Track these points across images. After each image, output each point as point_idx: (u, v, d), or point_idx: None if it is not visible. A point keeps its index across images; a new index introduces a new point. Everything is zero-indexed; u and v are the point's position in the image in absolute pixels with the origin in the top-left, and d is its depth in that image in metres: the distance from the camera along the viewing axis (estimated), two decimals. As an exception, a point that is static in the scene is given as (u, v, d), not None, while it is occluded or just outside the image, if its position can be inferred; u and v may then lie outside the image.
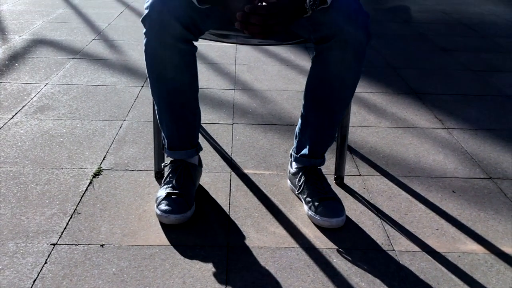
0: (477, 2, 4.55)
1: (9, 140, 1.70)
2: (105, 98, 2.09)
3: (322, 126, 1.34)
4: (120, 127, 1.84)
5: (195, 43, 1.26)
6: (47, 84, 2.21)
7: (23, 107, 1.96)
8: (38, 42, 2.78)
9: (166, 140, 1.38)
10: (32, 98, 2.05)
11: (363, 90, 2.31)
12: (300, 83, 2.37)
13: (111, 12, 3.56)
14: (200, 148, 1.43)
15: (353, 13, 1.17)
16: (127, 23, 3.30)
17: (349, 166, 1.64)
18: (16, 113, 1.91)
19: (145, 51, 1.24)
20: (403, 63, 2.74)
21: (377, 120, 2.02)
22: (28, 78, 2.26)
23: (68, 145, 1.68)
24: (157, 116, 1.35)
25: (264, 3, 1.07)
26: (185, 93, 1.29)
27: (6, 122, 1.83)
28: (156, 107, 1.34)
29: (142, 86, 2.24)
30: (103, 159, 1.61)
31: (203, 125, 1.90)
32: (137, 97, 2.13)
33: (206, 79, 2.37)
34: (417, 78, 2.52)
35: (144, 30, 1.21)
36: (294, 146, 1.44)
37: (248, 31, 1.08)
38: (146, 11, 1.20)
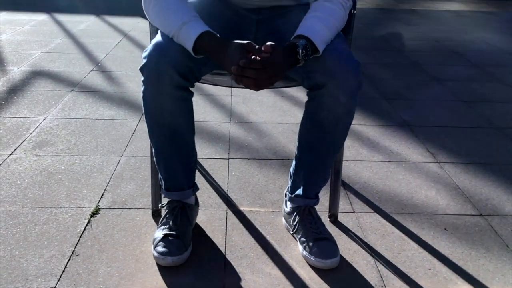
0: (468, 30, 4.64)
1: (8, 178, 1.72)
2: (103, 132, 2.12)
3: (315, 168, 1.37)
4: (118, 163, 1.87)
5: (191, 88, 1.30)
6: (45, 118, 2.24)
7: (22, 142, 1.99)
8: (36, 74, 2.82)
9: (163, 181, 1.40)
10: (31, 133, 2.08)
11: (357, 123, 2.36)
12: (295, 115, 2.41)
13: (109, 41, 3.62)
14: (197, 188, 1.46)
15: (344, 61, 1.22)
16: (125, 53, 3.35)
17: (343, 203, 1.66)
18: (15, 149, 1.93)
19: (143, 98, 1.27)
20: (397, 93, 2.79)
21: (370, 153, 2.05)
22: (27, 112, 2.30)
23: (66, 183, 1.71)
24: (154, 158, 1.38)
25: (258, 57, 1.12)
26: (182, 137, 1.33)
27: (5, 159, 1.85)
28: (153, 149, 1.37)
29: (140, 120, 2.27)
30: (101, 197, 1.63)
31: (200, 160, 1.94)
32: (135, 131, 2.16)
33: (203, 111, 2.41)
34: (410, 109, 2.56)
35: (142, 78, 1.25)
36: (289, 186, 1.47)
37: (242, 83, 1.12)
38: (144, 61, 1.24)
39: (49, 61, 3.06)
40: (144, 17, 4.52)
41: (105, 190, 1.68)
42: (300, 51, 1.17)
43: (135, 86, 2.72)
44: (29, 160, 1.85)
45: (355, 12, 1.47)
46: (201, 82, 1.43)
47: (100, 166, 1.84)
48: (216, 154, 1.99)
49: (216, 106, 2.50)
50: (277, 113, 2.43)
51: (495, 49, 3.91)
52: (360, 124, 2.35)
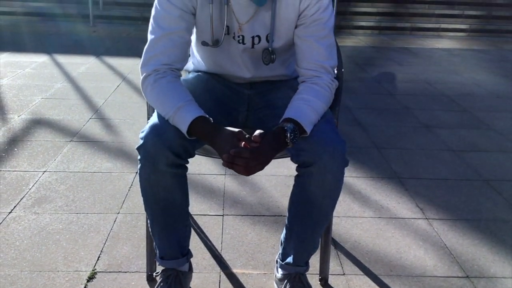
0: (459, 70, 4.75)
1: (7, 238, 1.77)
2: (100, 187, 2.18)
3: (305, 238, 1.43)
4: (114, 221, 1.92)
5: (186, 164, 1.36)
6: (45, 171, 2.29)
7: (22, 199, 2.04)
8: (37, 123, 2.88)
9: (158, 250, 1.45)
10: (30, 189, 2.13)
11: (348, 175, 2.42)
12: (288, 167, 2.47)
13: (108, 86, 3.70)
14: (191, 255, 1.51)
15: (330, 142, 1.28)
16: (123, 98, 3.43)
17: (334, 264, 1.71)
18: (15, 206, 1.98)
19: (139, 175, 1.33)
20: (387, 142, 2.86)
21: (361, 209, 2.11)
22: (26, 165, 2.35)
23: (64, 244, 1.75)
24: (150, 228, 1.43)
25: (248, 146, 1.18)
26: (177, 210, 1.38)
27: (5, 218, 1.90)
28: (148, 220, 1.42)
29: (136, 173, 2.33)
30: (98, 259, 1.68)
31: (195, 216, 1.99)
32: (131, 185, 2.21)
33: (198, 163, 2.47)
34: (400, 159, 2.63)
35: (139, 157, 1.31)
36: (280, 252, 1.52)
37: (233, 170, 1.18)
38: (141, 141, 1.30)
39: (49, 108, 3.14)
40: (142, 58, 4.63)
41: (101, 251, 1.72)
42: (288, 134, 1.24)
43: (132, 135, 2.79)
44: (28, 219, 1.90)
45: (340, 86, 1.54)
46: (196, 153, 1.49)
47: (97, 225, 1.89)
48: (211, 210, 2.05)
49: (211, 158, 2.55)
50: (271, 165, 2.48)
51: (485, 93, 4.00)
52: (351, 176, 2.41)
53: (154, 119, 1.33)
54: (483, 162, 2.64)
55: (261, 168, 1.20)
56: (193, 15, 1.38)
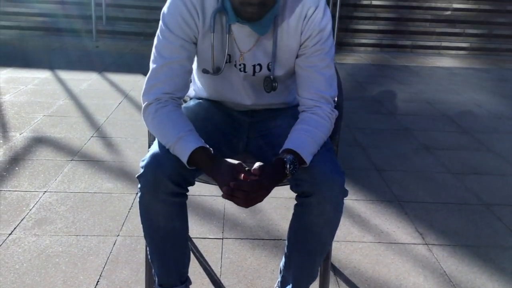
0: (459, 90, 4.77)
1: (7, 261, 1.77)
2: (101, 209, 2.18)
3: (304, 267, 1.43)
4: (114, 243, 1.92)
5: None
6: (45, 192, 2.30)
7: (22, 220, 2.05)
8: (38, 141, 2.90)
9: (156, 277, 1.46)
10: (30, 210, 2.14)
11: (348, 197, 2.42)
12: (287, 189, 2.47)
13: (109, 103, 3.72)
14: (190, 282, 1.51)
15: (330, 173, 1.29)
16: (125, 116, 3.45)
17: (333, 291, 1.71)
18: (15, 228, 1.99)
19: (139, 203, 1.34)
20: (387, 164, 2.87)
21: (361, 233, 2.11)
22: (27, 185, 2.36)
23: (63, 267, 1.75)
24: (149, 255, 1.44)
25: (247, 178, 1.19)
26: (176, 238, 1.39)
27: (5, 239, 1.91)
28: (147, 247, 1.43)
29: (136, 194, 2.34)
30: (97, 283, 1.68)
31: (194, 239, 1.99)
32: (131, 206, 2.22)
33: (198, 185, 2.47)
34: (400, 182, 2.64)
35: (139, 185, 1.32)
36: (279, 280, 1.52)
37: (233, 202, 1.19)
38: (141, 170, 1.31)
39: (51, 126, 3.15)
40: (144, 74, 4.66)
41: (100, 275, 1.72)
42: (288, 166, 1.24)
43: (133, 154, 2.80)
44: (28, 241, 1.90)
45: (340, 118, 1.55)
46: (196, 181, 1.50)
47: (97, 248, 1.89)
48: (210, 233, 2.05)
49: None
50: (271, 186, 2.50)
51: (485, 113, 4.02)
52: (351, 198, 2.42)
53: (155, 147, 1.34)
54: (483, 185, 2.64)
55: (261, 200, 1.21)
56: (194, 44, 1.40)
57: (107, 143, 2.95)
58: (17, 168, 2.53)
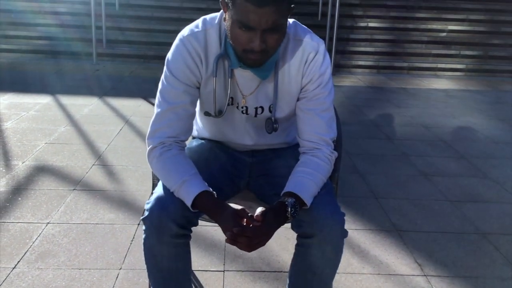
0: (456, 113, 4.83)
1: (11, 297, 1.79)
2: (103, 240, 2.21)
3: (305, 305, 1.45)
4: (116, 277, 1.94)
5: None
6: (48, 223, 2.33)
7: (25, 253, 2.07)
8: (40, 170, 2.93)
9: None
10: (34, 242, 2.16)
11: (347, 227, 2.43)
12: (288, 218, 2.51)
13: (110, 129, 3.76)
14: None
15: (330, 215, 1.33)
16: (126, 143, 3.48)
17: (333, 325, 1.73)
18: (18, 261, 2.01)
19: (144, 244, 1.37)
20: (385, 191, 2.91)
21: (361, 265, 2.13)
22: (30, 216, 2.39)
23: (67, 302, 1.78)
24: None
25: (251, 224, 1.23)
26: (179, 278, 1.42)
27: (9, 274, 1.93)
28: (151, 287, 1.45)
29: (138, 224, 2.37)
30: (100, 319, 1.70)
31: (196, 272, 2.01)
32: (133, 238, 2.24)
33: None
34: (399, 210, 2.67)
35: (144, 227, 1.35)
36: (281, 317, 1.55)
37: (236, 246, 1.22)
38: (146, 213, 1.34)
39: (53, 154, 3.19)
40: (145, 99, 4.71)
41: (104, 311, 1.74)
42: (289, 209, 1.28)
43: (135, 183, 2.83)
44: (32, 275, 1.92)
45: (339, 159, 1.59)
46: (200, 219, 1.53)
47: (99, 282, 1.91)
48: (212, 265, 2.07)
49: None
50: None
51: (482, 138, 4.07)
52: (351, 228, 2.45)
53: (159, 190, 1.38)
54: (480, 214, 2.68)
55: (263, 245, 1.25)
56: (197, 88, 1.45)
57: (109, 171, 2.98)
58: (20, 199, 2.56)
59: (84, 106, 4.35)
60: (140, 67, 6.35)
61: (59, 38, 6.84)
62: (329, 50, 6.82)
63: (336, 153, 1.46)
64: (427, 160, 3.48)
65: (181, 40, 1.40)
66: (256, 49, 1.28)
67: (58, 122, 3.85)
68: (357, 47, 7.26)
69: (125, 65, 6.38)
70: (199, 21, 1.42)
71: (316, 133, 1.43)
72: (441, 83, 6.37)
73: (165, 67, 1.42)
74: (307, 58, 1.42)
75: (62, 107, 4.27)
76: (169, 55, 1.42)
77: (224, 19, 1.34)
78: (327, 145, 1.44)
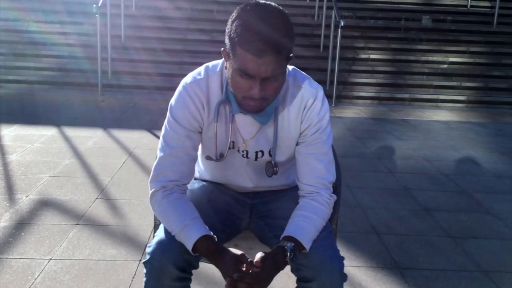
0: (457, 146, 4.86)
1: (12, 336, 1.80)
2: (105, 278, 2.22)
3: None
4: (118, 316, 1.95)
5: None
6: (50, 259, 2.34)
7: (27, 290, 2.08)
8: (44, 204, 2.96)
9: None
10: (36, 279, 2.17)
11: (349, 264, 2.45)
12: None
13: (114, 162, 3.80)
14: None
15: (329, 259, 1.35)
16: (129, 176, 3.52)
17: None
18: (20, 299, 2.02)
19: (144, 287, 1.38)
20: (387, 227, 2.91)
21: (361, 304, 2.13)
22: (33, 252, 2.40)
23: None
24: None
25: (250, 270, 1.25)
26: None
27: (10, 312, 1.94)
28: None
29: (139, 261, 2.38)
30: None
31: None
32: (135, 275, 2.25)
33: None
34: (400, 246, 2.67)
35: (145, 271, 1.37)
36: None
37: None
38: (147, 256, 1.36)
39: (57, 187, 3.22)
40: (148, 130, 4.77)
41: None
42: (288, 254, 1.30)
43: (137, 218, 2.85)
44: (33, 313, 1.93)
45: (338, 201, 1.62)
46: (201, 262, 1.55)
47: (101, 321, 1.91)
48: (213, 303, 2.07)
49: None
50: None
51: (484, 171, 4.08)
52: (352, 265, 2.45)
53: (160, 234, 1.40)
54: (481, 250, 2.68)
55: None
56: (199, 133, 1.49)
57: (111, 205, 3.00)
58: (23, 234, 2.58)
59: (89, 138, 4.40)
60: (144, 98, 6.43)
61: (66, 69, 6.96)
62: (331, 81, 6.92)
63: (335, 196, 1.49)
64: (428, 194, 3.49)
65: (184, 87, 1.45)
66: (255, 96, 1.32)
67: (63, 155, 3.89)
68: (358, 79, 7.35)
69: (130, 96, 6.47)
70: (201, 69, 1.47)
71: (315, 176, 1.46)
72: (442, 115, 6.41)
73: (168, 113, 1.47)
74: (306, 104, 1.46)
75: (67, 139, 4.32)
76: (172, 101, 1.47)
77: (225, 67, 1.39)
78: (326, 188, 1.47)
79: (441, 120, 6.07)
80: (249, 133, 1.49)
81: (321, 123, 1.47)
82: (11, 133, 4.42)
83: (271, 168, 1.53)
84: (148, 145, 4.28)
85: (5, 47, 7.23)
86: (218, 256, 1.31)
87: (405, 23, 8.53)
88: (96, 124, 4.90)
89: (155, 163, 1.46)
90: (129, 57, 7.31)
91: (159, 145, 1.48)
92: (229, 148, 1.51)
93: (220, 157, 1.52)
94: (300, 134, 1.49)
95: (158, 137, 4.90)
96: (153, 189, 1.44)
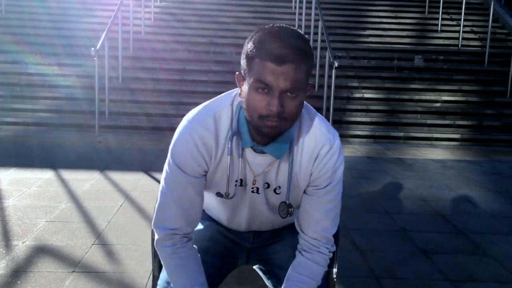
0: (453, 185, 4.88)
1: None
2: (101, 328, 2.19)
3: None
4: None
5: None
6: (46, 309, 2.32)
7: None
8: (40, 250, 2.94)
9: None
10: (31, 330, 2.14)
11: (347, 310, 2.43)
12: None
13: (111, 205, 3.79)
14: None
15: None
16: (126, 220, 3.51)
17: None
18: None
19: None
20: (385, 270, 2.90)
21: None
22: (28, 301, 2.38)
23: None
24: None
25: None
26: None
27: None
28: None
29: (137, 309, 2.35)
30: None
31: None
32: (132, 324, 2.23)
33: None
34: (399, 291, 2.66)
35: None
36: None
37: None
38: None
39: (53, 233, 3.20)
40: (145, 172, 4.78)
41: None
42: None
43: (133, 264, 2.83)
44: None
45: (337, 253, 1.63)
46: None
47: None
48: None
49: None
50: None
51: (480, 212, 4.09)
52: (351, 311, 2.43)
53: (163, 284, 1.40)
54: (480, 294, 2.67)
55: None
56: (204, 176, 1.42)
57: (108, 251, 2.98)
58: (19, 282, 2.55)
59: (85, 181, 4.41)
60: (141, 138, 6.47)
61: (63, 111, 7.02)
62: (326, 120, 6.98)
63: (334, 248, 1.49)
64: (426, 236, 3.49)
65: (187, 129, 1.37)
66: (274, 111, 1.24)
67: (59, 199, 3.89)
68: (353, 117, 7.43)
69: (127, 137, 6.50)
70: (208, 104, 1.41)
71: (319, 230, 1.44)
72: (437, 153, 6.46)
73: (169, 155, 1.40)
74: (320, 152, 1.38)
75: (64, 182, 4.32)
76: (174, 143, 1.39)
77: (239, 94, 1.33)
78: (327, 242, 1.47)
79: (436, 159, 6.12)
80: (260, 167, 1.41)
81: (335, 176, 1.42)
82: (8, 176, 4.43)
83: (286, 209, 1.44)
84: (144, 188, 4.29)
85: (3, 89, 7.31)
86: None
87: (397, 62, 8.70)
88: (93, 166, 4.91)
89: (157, 203, 1.42)
90: (126, 98, 7.39)
91: (161, 187, 1.42)
92: (238, 185, 1.43)
93: (231, 194, 1.44)
94: (310, 179, 1.42)
95: (155, 179, 4.86)
96: (158, 237, 1.41)
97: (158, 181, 4.51)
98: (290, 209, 1.44)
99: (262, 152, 1.38)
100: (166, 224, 1.40)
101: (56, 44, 8.28)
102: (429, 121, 7.44)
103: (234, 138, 1.37)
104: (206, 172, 1.42)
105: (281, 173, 1.42)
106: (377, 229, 3.57)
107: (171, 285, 1.39)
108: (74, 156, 5.36)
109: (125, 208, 3.76)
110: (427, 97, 7.89)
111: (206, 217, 1.67)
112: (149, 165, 5.03)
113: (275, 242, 1.63)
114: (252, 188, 1.45)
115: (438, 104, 7.84)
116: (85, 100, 7.17)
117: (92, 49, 6.36)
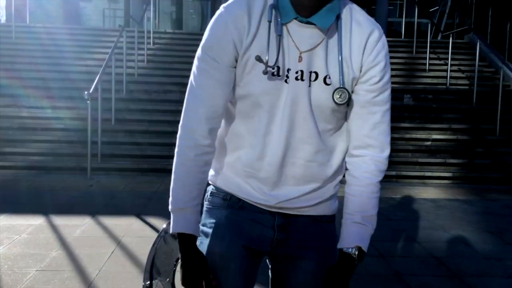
0: (446, 226, 4.88)
1: None
2: None
3: None
4: None
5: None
6: None
7: None
8: (29, 302, 2.88)
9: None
10: None
11: None
12: None
13: (102, 252, 3.75)
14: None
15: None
16: (117, 268, 3.46)
17: None
18: None
19: None
20: (381, 317, 2.87)
21: None
22: None
23: None
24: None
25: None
26: None
27: None
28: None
29: None
30: None
31: None
32: None
33: None
34: None
35: None
36: None
37: None
38: None
39: (43, 283, 3.15)
40: (137, 216, 4.74)
41: None
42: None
43: (125, 315, 2.78)
44: None
45: None
46: None
47: None
48: None
49: None
50: None
51: (473, 253, 4.09)
52: None
53: None
54: None
55: None
56: (234, 69, 1.28)
57: (99, 301, 2.93)
58: (6, 337, 2.50)
59: (77, 226, 4.36)
60: (133, 180, 6.45)
61: (55, 154, 7.02)
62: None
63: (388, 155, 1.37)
64: (420, 279, 3.47)
65: (219, 12, 1.27)
66: None
67: (50, 246, 3.84)
68: (345, 157, 7.47)
69: (119, 179, 6.48)
70: None
71: (378, 135, 1.32)
72: (429, 192, 6.49)
73: (199, 50, 1.29)
74: (371, 34, 1.26)
75: (55, 229, 4.28)
76: (204, 35, 1.29)
77: None
78: (386, 148, 1.35)
79: (429, 198, 6.13)
80: (306, 41, 1.25)
81: (387, 68, 1.28)
82: (-2, 223, 4.38)
83: (345, 92, 1.24)
84: (137, 233, 4.25)
85: (-5, 133, 7.32)
86: (190, 262, 1.29)
87: (388, 102, 8.81)
88: (84, 211, 4.87)
89: (184, 107, 1.33)
90: (118, 140, 7.41)
91: (188, 88, 1.32)
92: (275, 74, 1.25)
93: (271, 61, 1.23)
94: (361, 78, 1.27)
95: (147, 223, 4.81)
96: (183, 141, 1.32)
97: (151, 226, 4.49)
98: (349, 94, 1.25)
99: (307, 24, 1.25)
100: (195, 136, 1.30)
101: (51, 87, 8.32)
102: (420, 160, 7.49)
103: (273, 11, 1.24)
104: (237, 61, 1.27)
105: (330, 57, 1.26)
106: (371, 274, 3.55)
107: (170, 192, 1.34)
108: (65, 200, 5.32)
109: (116, 255, 3.71)
110: (418, 136, 7.97)
111: (227, 226, 1.40)
112: (142, 208, 5.00)
113: (304, 248, 1.48)
114: (296, 73, 1.26)
115: (428, 143, 7.92)
116: (77, 143, 7.18)
117: (86, 92, 6.41)
